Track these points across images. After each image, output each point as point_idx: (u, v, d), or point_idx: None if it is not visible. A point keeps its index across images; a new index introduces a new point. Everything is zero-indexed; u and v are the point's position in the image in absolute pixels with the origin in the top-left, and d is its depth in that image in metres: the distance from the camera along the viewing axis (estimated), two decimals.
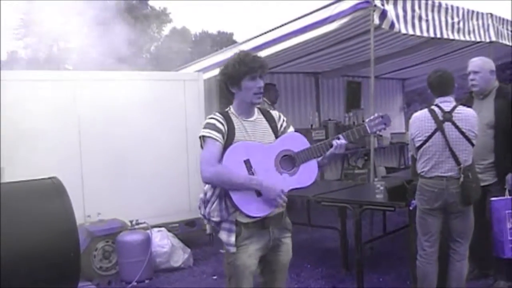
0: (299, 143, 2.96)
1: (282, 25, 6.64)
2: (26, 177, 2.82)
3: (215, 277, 5.47)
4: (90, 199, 5.74)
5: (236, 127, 2.89)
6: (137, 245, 5.39)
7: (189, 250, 5.98)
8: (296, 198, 5.22)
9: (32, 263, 2.33)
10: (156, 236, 5.74)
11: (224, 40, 38.09)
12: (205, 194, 2.92)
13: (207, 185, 2.91)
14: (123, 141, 6.06)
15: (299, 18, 6.38)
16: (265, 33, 6.88)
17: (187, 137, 6.56)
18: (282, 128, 3.06)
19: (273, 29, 6.77)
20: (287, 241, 3.04)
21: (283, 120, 3.10)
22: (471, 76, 4.50)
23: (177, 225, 6.41)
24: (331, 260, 5.69)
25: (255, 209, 2.81)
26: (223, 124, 2.86)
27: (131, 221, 5.60)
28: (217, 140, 2.82)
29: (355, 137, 3.07)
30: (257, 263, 2.95)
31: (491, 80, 4.47)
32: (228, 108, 3.00)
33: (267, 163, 2.86)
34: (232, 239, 2.86)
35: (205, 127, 2.86)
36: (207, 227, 6.62)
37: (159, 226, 5.96)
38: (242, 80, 2.87)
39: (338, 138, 3.00)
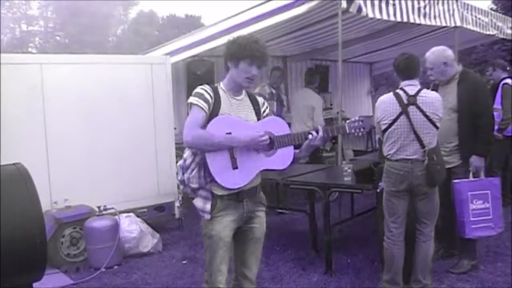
0: (280, 128, 3.11)
1: (250, 8, 6.60)
2: None
3: (184, 262, 5.47)
4: (56, 185, 5.66)
5: (222, 101, 3.01)
6: (105, 231, 5.34)
7: (158, 235, 5.96)
8: (265, 181, 5.23)
9: None
10: (125, 221, 5.70)
11: (192, 23, 37.78)
12: (185, 160, 3.01)
13: (187, 152, 3.02)
14: (90, 126, 5.97)
15: (267, 1, 6.35)
16: (233, 16, 6.84)
17: (154, 120, 6.50)
18: (265, 114, 3.21)
19: (241, 12, 6.73)
20: (261, 215, 3.20)
21: (267, 107, 3.26)
22: (428, 71, 4.66)
23: (145, 210, 6.37)
24: (300, 243, 5.75)
25: (230, 181, 2.93)
26: (211, 96, 2.97)
27: (98, 207, 5.54)
28: (203, 109, 2.92)
29: (333, 134, 3.22)
30: (231, 235, 3.07)
31: (446, 71, 4.58)
32: (218, 84, 3.11)
33: None
34: (208, 206, 2.98)
35: (194, 95, 2.97)
36: (176, 211, 6.62)
37: (128, 212, 5.91)
38: (241, 61, 2.99)
39: (317, 131, 3.10)
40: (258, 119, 3.13)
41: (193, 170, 2.97)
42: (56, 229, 5.37)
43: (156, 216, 6.54)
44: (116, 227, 5.45)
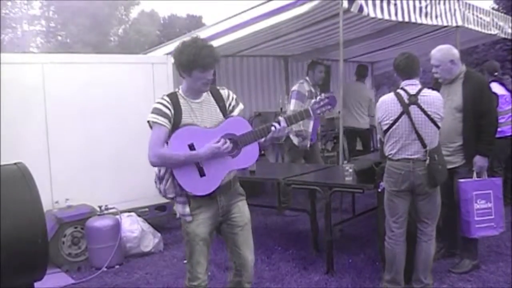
0: (242, 127, 3.15)
1: (251, 8, 6.60)
2: None
3: (185, 261, 5.45)
4: (58, 184, 5.67)
5: (183, 109, 3.06)
6: (106, 231, 5.34)
7: (159, 234, 5.96)
8: (267, 181, 5.23)
9: None
10: (126, 221, 5.71)
11: (193, 23, 37.81)
12: (159, 171, 3.13)
13: None
14: (91, 125, 5.98)
15: (268, 1, 6.35)
16: (234, 16, 6.84)
17: None
18: (231, 107, 3.25)
19: (242, 12, 6.73)
20: (239, 204, 3.30)
21: (232, 99, 3.28)
22: (433, 69, 4.62)
23: (147, 209, 6.37)
24: (302, 242, 5.74)
25: (200, 189, 3.07)
26: (169, 109, 3.02)
27: (100, 207, 5.54)
28: (163, 125, 3.00)
29: (297, 119, 3.29)
30: (208, 231, 3.21)
31: (453, 69, 4.54)
32: (178, 89, 3.17)
33: None
34: (187, 209, 3.13)
35: (152, 112, 3.03)
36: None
37: (129, 211, 5.92)
38: (193, 70, 3.00)
39: (279, 122, 3.17)
40: (225, 115, 3.18)
41: (167, 180, 3.08)
42: (57, 229, 5.37)
43: (157, 216, 6.54)
44: (117, 226, 5.45)
